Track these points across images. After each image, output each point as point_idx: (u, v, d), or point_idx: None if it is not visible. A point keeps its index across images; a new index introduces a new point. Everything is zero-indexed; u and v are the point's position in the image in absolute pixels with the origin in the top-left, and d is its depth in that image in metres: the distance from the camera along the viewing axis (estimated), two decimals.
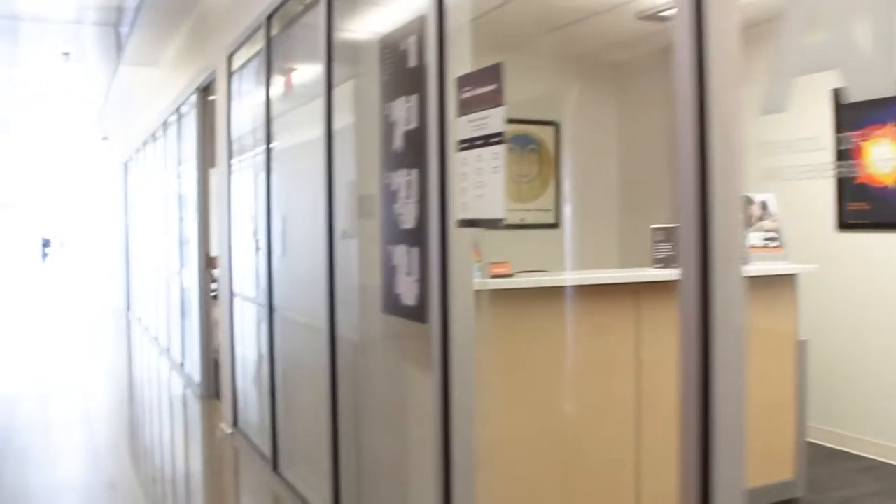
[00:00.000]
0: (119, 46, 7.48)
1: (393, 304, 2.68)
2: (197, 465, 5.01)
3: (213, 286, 6.49)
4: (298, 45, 4.12)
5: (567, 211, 6.37)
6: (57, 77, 8.75)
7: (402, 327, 2.76)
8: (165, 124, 8.27)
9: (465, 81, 2.23)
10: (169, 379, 7.59)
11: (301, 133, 4.12)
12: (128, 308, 12.80)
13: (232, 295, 5.34)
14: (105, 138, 12.32)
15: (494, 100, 2.08)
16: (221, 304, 5.66)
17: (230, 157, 5.38)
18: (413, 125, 2.52)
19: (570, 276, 3.40)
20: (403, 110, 2.59)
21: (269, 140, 4.39)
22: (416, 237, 2.51)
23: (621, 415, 3.25)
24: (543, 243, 6.01)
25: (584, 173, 6.49)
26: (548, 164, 6.31)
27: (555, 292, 3.10)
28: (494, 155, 2.08)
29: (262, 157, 4.51)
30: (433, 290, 2.40)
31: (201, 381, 6.52)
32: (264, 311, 4.51)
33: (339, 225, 3.38)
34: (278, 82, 4.34)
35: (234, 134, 5.33)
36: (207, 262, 6.48)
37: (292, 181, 4.24)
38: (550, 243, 6.15)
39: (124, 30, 6.88)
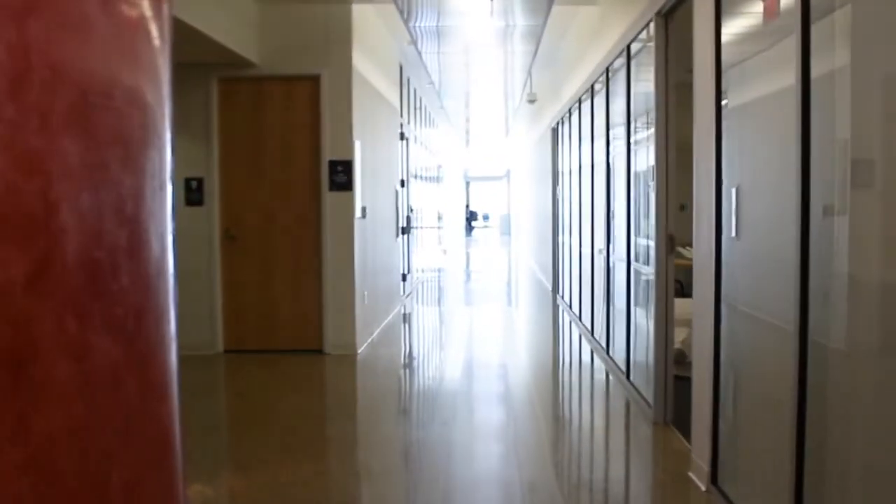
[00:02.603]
0: None
1: None
2: None
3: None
4: None
5: None
6: (483, 28, 7.77)
7: None
8: (608, 72, 6.73)
9: None
10: (606, 388, 6.13)
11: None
12: (555, 290, 11.71)
13: (719, 300, 3.59)
14: (532, 101, 11.31)
15: None
16: (697, 308, 3.96)
17: (718, 97, 3.64)
18: None
19: None
20: None
21: (805, 61, 2.58)
22: None
23: None
24: None
25: None
26: None
27: None
28: None
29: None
30: None
31: (655, 401, 4.91)
32: (789, 336, 2.71)
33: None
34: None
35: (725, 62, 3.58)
36: (669, 245, 4.81)
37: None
38: None
39: None
